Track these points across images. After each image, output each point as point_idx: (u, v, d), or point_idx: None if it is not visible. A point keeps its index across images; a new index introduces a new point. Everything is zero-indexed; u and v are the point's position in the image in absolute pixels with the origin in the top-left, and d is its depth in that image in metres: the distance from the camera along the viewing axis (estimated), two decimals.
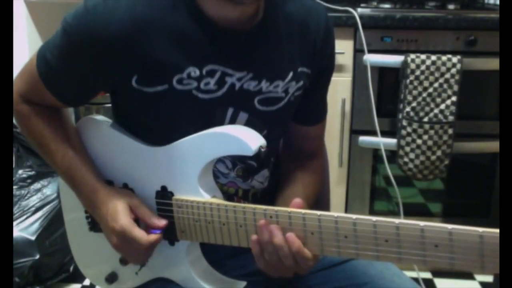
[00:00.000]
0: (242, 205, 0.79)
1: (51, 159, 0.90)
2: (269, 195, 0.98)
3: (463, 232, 0.66)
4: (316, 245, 0.75)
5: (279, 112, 0.89)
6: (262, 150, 0.80)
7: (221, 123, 0.86)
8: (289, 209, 0.76)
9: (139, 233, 0.81)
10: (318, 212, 0.74)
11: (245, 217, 0.79)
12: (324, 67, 0.94)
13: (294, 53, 0.88)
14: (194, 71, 0.81)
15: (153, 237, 0.82)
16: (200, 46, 0.81)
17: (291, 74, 0.88)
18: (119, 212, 0.83)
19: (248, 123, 0.87)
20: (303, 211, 0.75)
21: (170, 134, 0.84)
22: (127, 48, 0.77)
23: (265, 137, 0.88)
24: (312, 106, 0.97)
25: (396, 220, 0.69)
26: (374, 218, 0.70)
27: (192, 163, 0.83)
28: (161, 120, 0.84)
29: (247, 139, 0.79)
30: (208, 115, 0.84)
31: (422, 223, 0.68)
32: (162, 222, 0.84)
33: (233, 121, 0.87)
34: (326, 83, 0.98)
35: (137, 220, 0.84)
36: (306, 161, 1.01)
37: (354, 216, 0.72)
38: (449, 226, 0.66)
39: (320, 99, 0.99)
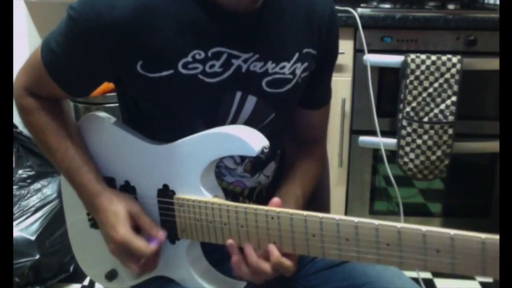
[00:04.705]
0: (244, 205, 0.79)
1: (52, 156, 0.90)
2: (274, 192, 0.98)
3: (465, 238, 0.65)
4: (317, 247, 0.75)
5: (288, 94, 0.90)
6: (265, 151, 0.80)
7: (229, 108, 0.86)
8: (291, 211, 0.75)
9: (140, 243, 0.82)
10: (320, 215, 0.74)
11: (246, 217, 0.78)
12: (330, 50, 0.95)
13: (299, 34, 0.89)
14: (199, 54, 0.81)
15: (154, 247, 0.82)
16: (205, 29, 0.81)
17: (296, 55, 0.88)
18: (119, 222, 0.83)
19: (257, 107, 0.88)
20: (305, 213, 0.75)
21: (177, 125, 0.84)
22: (132, 33, 0.78)
23: (272, 122, 0.89)
24: (316, 89, 0.98)
25: (398, 224, 0.69)
26: (376, 222, 0.70)
27: (195, 162, 0.83)
28: (167, 108, 0.84)
29: (251, 140, 0.79)
30: (215, 100, 0.84)
31: (424, 228, 0.67)
32: (162, 234, 0.84)
33: (241, 105, 0.87)
34: (330, 67, 0.99)
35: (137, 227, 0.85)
36: (308, 147, 1.02)
37: (356, 220, 0.71)
38: (451, 232, 0.66)
39: (324, 82, 1.00)
